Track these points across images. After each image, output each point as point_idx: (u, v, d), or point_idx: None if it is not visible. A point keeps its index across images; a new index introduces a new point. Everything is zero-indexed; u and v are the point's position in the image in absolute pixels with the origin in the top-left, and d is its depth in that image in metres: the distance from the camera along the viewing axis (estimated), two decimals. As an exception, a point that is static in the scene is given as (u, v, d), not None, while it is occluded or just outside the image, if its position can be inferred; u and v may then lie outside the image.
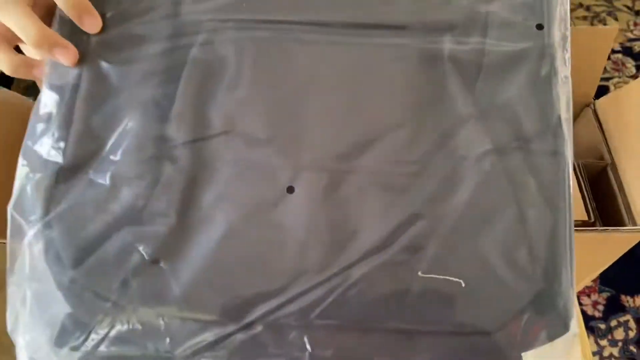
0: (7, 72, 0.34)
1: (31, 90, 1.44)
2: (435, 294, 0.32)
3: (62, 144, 0.33)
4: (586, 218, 0.52)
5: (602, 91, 1.51)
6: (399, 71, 0.34)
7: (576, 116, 0.61)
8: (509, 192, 0.33)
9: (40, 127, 0.33)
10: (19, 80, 1.44)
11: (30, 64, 0.34)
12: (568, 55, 0.34)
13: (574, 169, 0.53)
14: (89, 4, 0.34)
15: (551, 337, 0.32)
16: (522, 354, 0.34)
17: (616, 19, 1.69)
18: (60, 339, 0.34)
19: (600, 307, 1.21)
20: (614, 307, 1.21)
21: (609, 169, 0.56)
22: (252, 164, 0.33)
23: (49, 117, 0.33)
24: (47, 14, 0.35)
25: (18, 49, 0.36)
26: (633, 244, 0.51)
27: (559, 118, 0.34)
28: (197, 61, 0.34)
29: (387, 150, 0.33)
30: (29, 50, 0.36)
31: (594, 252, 0.52)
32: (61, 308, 0.33)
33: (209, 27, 0.35)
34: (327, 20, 0.35)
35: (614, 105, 0.57)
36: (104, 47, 0.34)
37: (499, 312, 0.32)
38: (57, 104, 0.33)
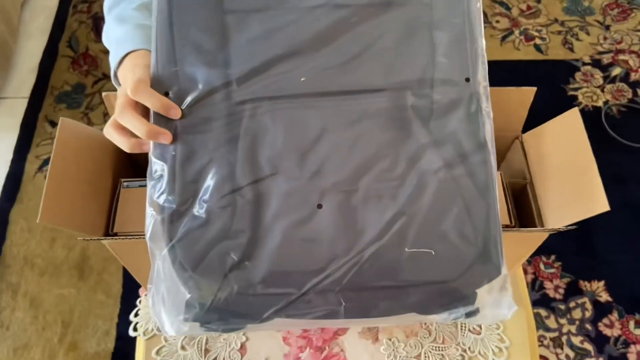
0: (127, 150, 0.52)
1: (63, 97, 1.61)
2: (416, 261, 0.51)
3: (172, 196, 0.51)
4: (509, 222, 0.64)
5: (571, 100, 1.63)
6: (379, 120, 0.52)
7: (508, 146, 0.74)
8: (457, 191, 0.52)
9: (156, 185, 0.51)
10: (52, 88, 1.61)
11: (141, 143, 0.52)
12: (488, 95, 0.52)
13: (503, 186, 0.65)
14: (171, 102, 0.51)
15: (490, 279, 0.52)
16: (477, 290, 0.53)
17: (588, 34, 1.76)
18: (186, 314, 0.54)
19: (561, 291, 1.33)
20: (573, 291, 1.34)
21: (528, 186, 0.68)
22: (293, 192, 0.51)
23: (160, 178, 0.51)
24: (145, 112, 0.52)
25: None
26: (542, 241, 0.63)
27: (485, 138, 0.52)
28: (248, 129, 0.52)
29: (377, 173, 0.51)
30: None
31: (515, 247, 0.64)
32: (184, 296, 0.53)
33: (251, 105, 0.52)
34: (330, 90, 0.52)
35: (535, 139, 0.69)
36: (185, 127, 0.52)
37: (458, 267, 0.52)
38: (163, 169, 0.51)
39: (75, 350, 1.26)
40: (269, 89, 0.52)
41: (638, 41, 1.75)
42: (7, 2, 1.69)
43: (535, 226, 0.63)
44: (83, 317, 1.30)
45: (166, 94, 0.52)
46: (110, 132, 0.52)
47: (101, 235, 0.61)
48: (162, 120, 0.52)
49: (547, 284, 1.34)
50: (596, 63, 1.71)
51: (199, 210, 0.51)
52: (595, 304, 1.31)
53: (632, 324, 1.28)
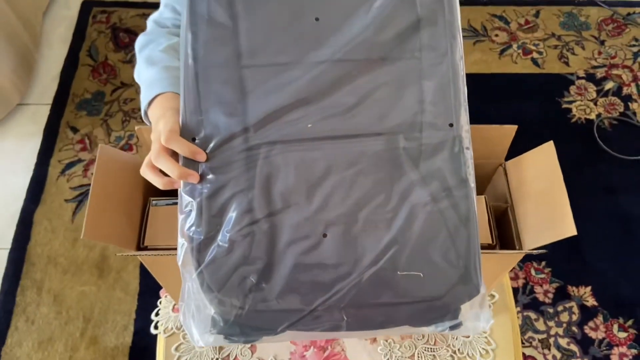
0: (160, 187, 0.60)
1: (84, 104, 1.69)
2: (408, 282, 0.60)
3: (199, 228, 0.59)
4: (490, 242, 0.71)
5: (565, 112, 1.70)
6: (376, 160, 0.60)
7: (493, 172, 0.80)
8: (442, 222, 0.59)
9: (186, 219, 0.59)
10: (74, 96, 1.69)
11: (172, 182, 0.60)
12: (469, 138, 0.59)
13: (486, 208, 0.73)
14: (197, 148, 0.59)
15: (471, 297, 0.60)
16: (461, 306, 0.62)
17: (583, 48, 1.82)
18: (212, 328, 0.62)
19: (550, 295, 1.40)
20: (561, 295, 1.40)
21: (509, 209, 0.74)
22: (302, 223, 0.59)
23: (189, 213, 0.59)
24: (176, 155, 0.60)
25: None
26: (518, 260, 0.71)
27: (467, 174, 0.59)
28: (263, 169, 0.59)
29: (373, 207, 0.59)
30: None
31: (494, 265, 0.72)
32: (210, 313, 0.61)
33: (266, 148, 0.60)
34: (333, 135, 0.60)
35: (517, 167, 0.75)
36: (210, 169, 0.59)
37: (443, 287, 0.60)
38: (192, 205, 0.59)
39: (95, 344, 1.35)
40: (281, 134, 0.60)
41: (632, 56, 1.80)
42: (30, 12, 1.77)
43: (514, 246, 0.71)
44: (103, 312, 1.39)
45: (193, 140, 0.60)
46: (146, 172, 0.61)
47: (134, 247, 0.70)
48: (190, 163, 0.60)
49: (537, 289, 1.41)
50: (590, 77, 1.76)
51: (222, 240, 0.59)
52: (582, 308, 1.38)
53: (615, 327, 1.35)
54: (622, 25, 1.88)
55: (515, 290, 1.40)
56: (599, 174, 1.58)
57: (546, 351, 1.32)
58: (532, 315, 1.37)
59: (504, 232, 0.76)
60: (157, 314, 0.89)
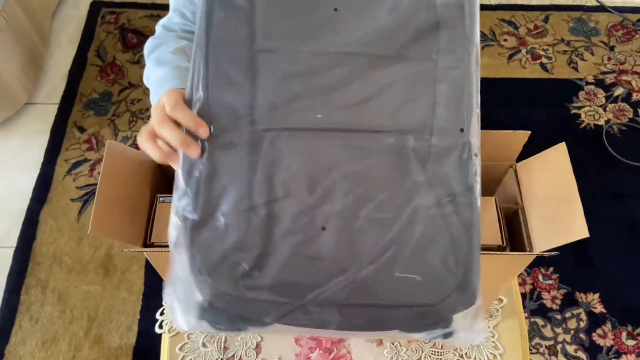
0: (156, 159, 0.58)
1: (91, 104, 1.69)
2: (404, 284, 0.58)
3: (195, 208, 0.57)
4: (500, 243, 0.69)
5: (573, 118, 1.70)
6: (383, 158, 0.59)
7: (503, 174, 0.78)
8: (444, 227, 0.58)
9: (182, 198, 0.57)
10: (81, 95, 1.70)
11: (170, 154, 0.58)
12: (479, 144, 0.58)
13: (497, 210, 0.71)
14: (201, 120, 0.57)
15: (467, 306, 0.58)
16: (454, 316, 0.60)
17: (592, 54, 1.81)
18: (198, 312, 0.60)
19: (558, 301, 1.39)
20: (569, 302, 1.39)
21: (519, 211, 0.72)
22: (301, 214, 0.58)
23: (185, 193, 0.57)
24: (179, 127, 0.58)
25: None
26: (529, 262, 0.69)
27: (473, 182, 0.58)
28: (267, 154, 0.58)
29: (376, 204, 0.58)
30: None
31: (505, 267, 0.70)
32: (197, 297, 0.59)
33: (272, 133, 0.58)
34: (342, 128, 0.59)
35: (528, 168, 0.73)
36: (212, 148, 0.58)
37: (439, 293, 0.58)
38: (189, 182, 0.57)
39: (99, 343, 1.35)
40: (289, 122, 0.59)
41: (641, 62, 1.80)
42: (39, 11, 1.78)
43: (525, 248, 0.69)
44: (107, 312, 1.39)
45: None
46: (143, 142, 0.59)
47: (140, 244, 0.69)
48: (192, 137, 0.58)
49: (545, 295, 1.39)
50: (599, 83, 1.75)
51: (217, 223, 0.57)
52: (590, 314, 1.36)
53: (624, 335, 1.34)
54: (632, 31, 1.87)
55: (522, 296, 1.39)
56: (608, 180, 1.57)
57: (553, 358, 1.31)
58: (540, 321, 1.36)
59: (515, 234, 0.74)
60: (161, 313, 0.88)
